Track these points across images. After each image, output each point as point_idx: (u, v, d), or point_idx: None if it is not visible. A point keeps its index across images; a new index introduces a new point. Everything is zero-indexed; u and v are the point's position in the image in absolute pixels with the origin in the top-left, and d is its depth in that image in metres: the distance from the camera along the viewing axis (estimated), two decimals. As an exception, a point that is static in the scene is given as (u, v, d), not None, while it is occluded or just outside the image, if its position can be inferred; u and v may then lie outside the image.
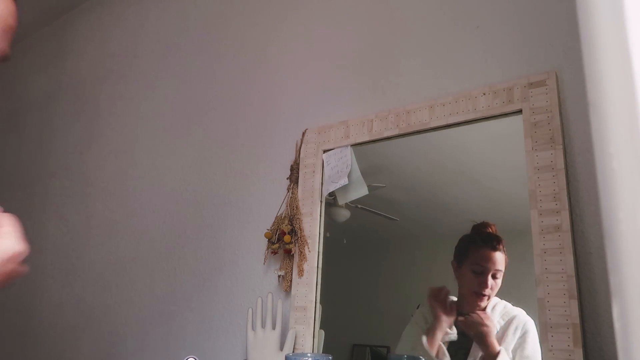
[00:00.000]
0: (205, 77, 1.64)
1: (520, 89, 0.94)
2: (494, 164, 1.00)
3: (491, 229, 1.01)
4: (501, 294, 0.94)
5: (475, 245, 1.02)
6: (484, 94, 0.99)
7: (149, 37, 1.92)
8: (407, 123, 1.08)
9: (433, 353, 0.99)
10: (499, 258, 0.98)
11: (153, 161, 1.70)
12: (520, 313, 0.93)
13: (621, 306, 0.25)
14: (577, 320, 0.79)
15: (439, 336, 1.00)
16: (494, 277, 0.97)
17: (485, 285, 0.97)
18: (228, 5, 1.66)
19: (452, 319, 1.01)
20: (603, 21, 0.27)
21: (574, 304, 0.79)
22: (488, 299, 0.97)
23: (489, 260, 0.98)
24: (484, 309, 0.97)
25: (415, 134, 1.08)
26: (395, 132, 1.09)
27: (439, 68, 1.11)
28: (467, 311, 0.99)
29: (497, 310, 0.96)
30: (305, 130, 1.26)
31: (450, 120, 1.02)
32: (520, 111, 0.93)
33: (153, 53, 1.87)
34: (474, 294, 0.99)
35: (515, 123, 0.94)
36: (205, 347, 1.34)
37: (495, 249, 0.99)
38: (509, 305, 0.96)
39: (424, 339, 1.00)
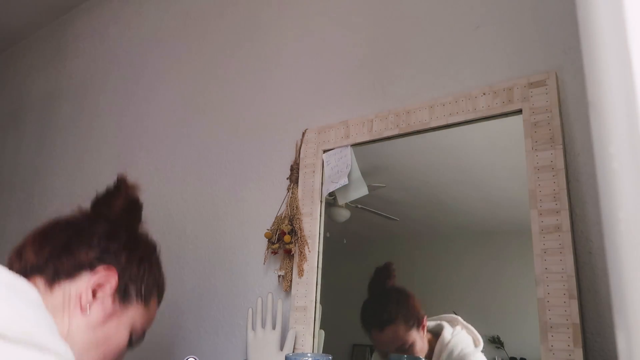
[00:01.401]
0: (205, 77, 1.64)
1: (520, 89, 0.94)
2: (494, 163, 1.00)
3: (390, 279, 0.84)
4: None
5: (365, 326, 0.88)
6: (484, 94, 0.99)
7: (148, 37, 1.92)
8: (407, 123, 1.08)
9: None
10: (397, 332, 0.84)
11: (153, 161, 1.70)
12: None
13: (621, 306, 0.25)
14: (577, 320, 0.78)
15: None
16: (402, 349, 0.83)
17: None
18: (228, 5, 1.66)
19: None
20: (603, 21, 0.27)
21: (574, 304, 0.79)
22: None
23: (381, 342, 0.87)
24: None
25: (415, 134, 1.08)
26: (395, 132, 1.09)
27: (439, 68, 1.11)
28: None
29: None
30: (305, 130, 1.26)
31: (450, 120, 1.02)
32: (520, 111, 0.93)
33: (153, 53, 1.87)
34: None
35: (515, 123, 0.94)
36: (205, 347, 1.34)
37: (384, 327, 0.84)
38: (465, 350, 0.79)
39: None
